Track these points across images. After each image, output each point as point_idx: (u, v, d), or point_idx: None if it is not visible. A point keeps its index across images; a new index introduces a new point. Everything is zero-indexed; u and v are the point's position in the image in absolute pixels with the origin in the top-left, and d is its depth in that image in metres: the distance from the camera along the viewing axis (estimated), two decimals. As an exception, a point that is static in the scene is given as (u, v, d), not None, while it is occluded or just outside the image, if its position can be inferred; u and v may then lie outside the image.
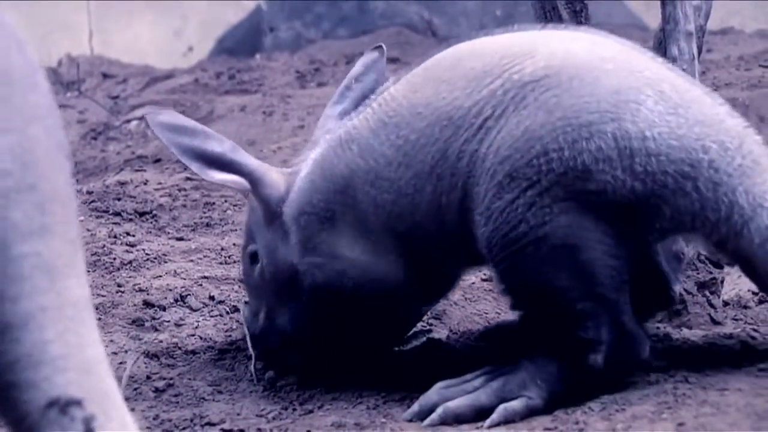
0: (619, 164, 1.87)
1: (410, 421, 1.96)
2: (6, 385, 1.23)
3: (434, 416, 1.93)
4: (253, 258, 2.29)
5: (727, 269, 2.38)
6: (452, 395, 1.96)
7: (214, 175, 2.21)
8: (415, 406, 1.98)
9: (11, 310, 1.22)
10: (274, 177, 2.25)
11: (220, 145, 2.21)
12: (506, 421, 1.88)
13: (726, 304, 2.45)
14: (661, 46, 2.40)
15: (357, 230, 2.11)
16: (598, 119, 1.88)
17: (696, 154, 1.89)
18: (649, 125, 1.89)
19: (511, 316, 2.41)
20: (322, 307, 2.18)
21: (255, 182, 2.23)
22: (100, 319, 2.58)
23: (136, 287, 2.71)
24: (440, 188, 2.01)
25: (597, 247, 1.88)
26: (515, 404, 1.90)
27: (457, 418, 1.92)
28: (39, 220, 1.23)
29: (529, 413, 1.89)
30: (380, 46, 2.46)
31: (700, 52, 2.46)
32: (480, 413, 1.92)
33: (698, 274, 2.36)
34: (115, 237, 3.05)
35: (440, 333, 2.41)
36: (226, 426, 2.04)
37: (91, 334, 1.28)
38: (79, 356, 1.26)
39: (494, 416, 1.89)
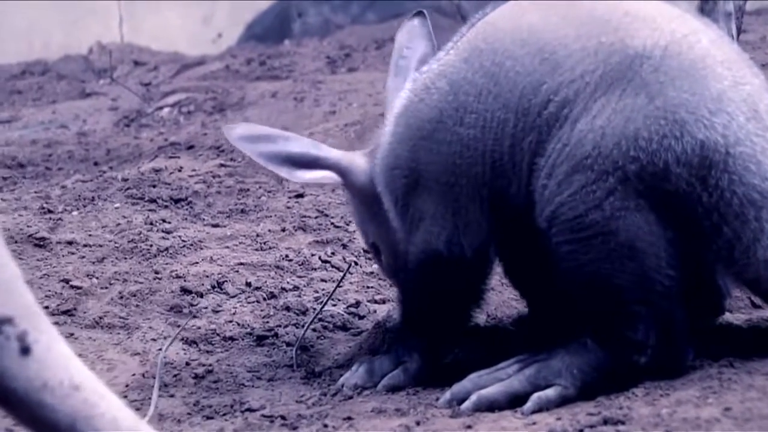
0: (697, 172, 1.82)
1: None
2: None
3: (468, 404, 1.91)
4: (376, 249, 2.26)
5: None
6: (485, 383, 1.94)
7: (304, 176, 2.17)
8: (447, 394, 1.96)
9: None
10: (358, 162, 2.20)
11: (299, 144, 2.18)
12: (540, 409, 1.85)
13: (766, 287, 2.41)
14: (700, 26, 2.37)
15: (441, 191, 2.02)
16: (693, 121, 1.83)
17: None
18: (735, 142, 1.83)
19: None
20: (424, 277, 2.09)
21: (343, 173, 2.18)
22: (138, 305, 2.59)
23: (173, 274, 2.72)
24: (522, 124, 1.94)
25: (662, 255, 1.85)
26: (549, 393, 1.87)
27: (491, 405, 1.90)
28: None
29: (563, 402, 1.86)
30: (422, 12, 2.34)
31: (739, 32, 2.43)
32: (514, 400, 1.90)
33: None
34: (151, 224, 3.05)
35: (478, 318, 2.40)
36: (266, 412, 2.03)
37: (2, 253, 1.29)
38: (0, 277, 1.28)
39: (529, 404, 1.86)
